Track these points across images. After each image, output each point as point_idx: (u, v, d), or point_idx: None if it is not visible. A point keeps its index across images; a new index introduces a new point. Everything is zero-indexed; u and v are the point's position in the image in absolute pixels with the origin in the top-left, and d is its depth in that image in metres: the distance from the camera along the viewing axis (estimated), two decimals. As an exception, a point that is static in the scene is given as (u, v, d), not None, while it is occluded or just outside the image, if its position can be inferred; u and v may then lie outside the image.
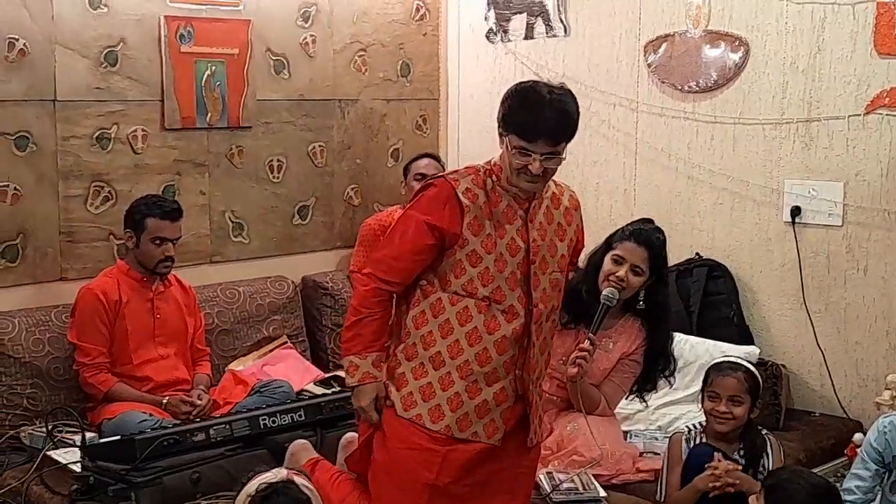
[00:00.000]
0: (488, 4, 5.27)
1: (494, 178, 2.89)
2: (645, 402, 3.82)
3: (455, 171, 2.99)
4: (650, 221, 3.75)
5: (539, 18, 5.09)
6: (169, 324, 4.24)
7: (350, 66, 5.20)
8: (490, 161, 2.93)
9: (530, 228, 2.90)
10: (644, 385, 3.71)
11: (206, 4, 4.66)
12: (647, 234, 3.57)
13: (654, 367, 3.68)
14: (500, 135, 2.83)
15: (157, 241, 4.09)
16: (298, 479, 2.63)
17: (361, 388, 2.92)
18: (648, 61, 4.66)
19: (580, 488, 3.35)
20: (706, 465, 3.11)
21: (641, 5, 4.70)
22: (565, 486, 3.35)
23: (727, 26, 4.46)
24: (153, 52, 4.51)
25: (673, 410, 4.08)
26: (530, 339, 2.90)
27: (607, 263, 3.53)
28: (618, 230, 3.65)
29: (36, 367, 4.19)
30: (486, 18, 5.30)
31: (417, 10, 5.43)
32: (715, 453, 3.13)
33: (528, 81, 2.89)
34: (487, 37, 5.29)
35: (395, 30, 5.34)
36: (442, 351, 2.87)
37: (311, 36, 5.05)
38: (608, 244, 3.59)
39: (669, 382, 3.77)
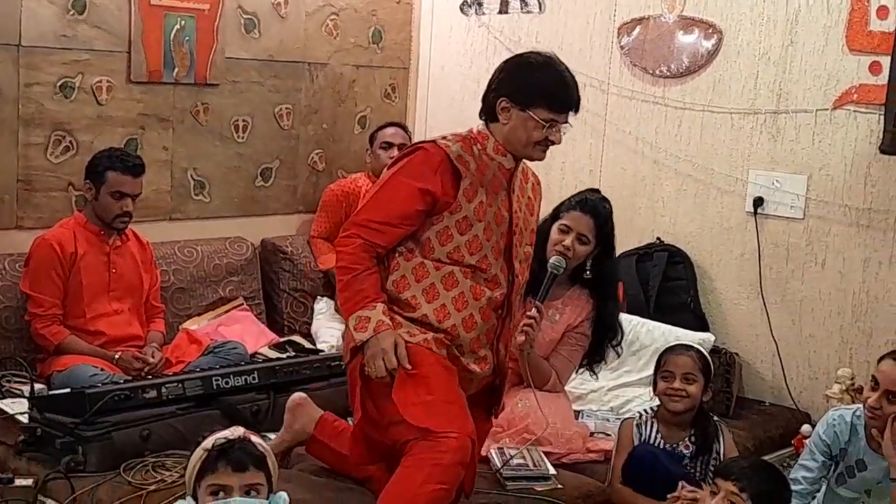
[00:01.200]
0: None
1: (479, 146, 2.88)
2: (595, 373, 3.85)
3: (443, 137, 2.94)
4: (597, 191, 3.78)
5: (515, -7, 5.11)
6: (124, 279, 4.22)
7: (321, 29, 5.20)
8: (472, 129, 2.93)
9: (513, 199, 2.91)
10: (593, 357, 3.73)
11: None
12: (593, 204, 3.60)
13: (603, 339, 3.70)
14: (507, 108, 2.82)
15: (117, 196, 4.08)
16: (254, 438, 2.64)
17: (378, 336, 2.78)
18: (621, 43, 4.67)
19: (530, 465, 3.37)
20: (669, 496, 3.12)
21: (617, -14, 4.72)
22: (515, 461, 3.37)
23: (702, 13, 4.48)
24: (122, 2, 4.48)
25: (626, 392, 4.12)
26: (509, 309, 2.93)
27: (554, 233, 3.55)
28: (564, 200, 3.68)
29: None
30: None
31: (392, -24, 5.48)
32: (680, 483, 3.12)
33: (536, 53, 2.91)
34: (461, 9, 5.25)
35: (366, 1, 5.37)
36: (428, 314, 2.84)
37: None
38: (555, 214, 3.62)
39: (617, 353, 3.79)
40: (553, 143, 2.86)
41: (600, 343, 3.70)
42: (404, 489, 2.76)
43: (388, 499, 2.78)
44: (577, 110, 2.87)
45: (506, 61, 2.95)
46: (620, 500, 3.35)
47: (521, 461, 3.37)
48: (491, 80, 2.92)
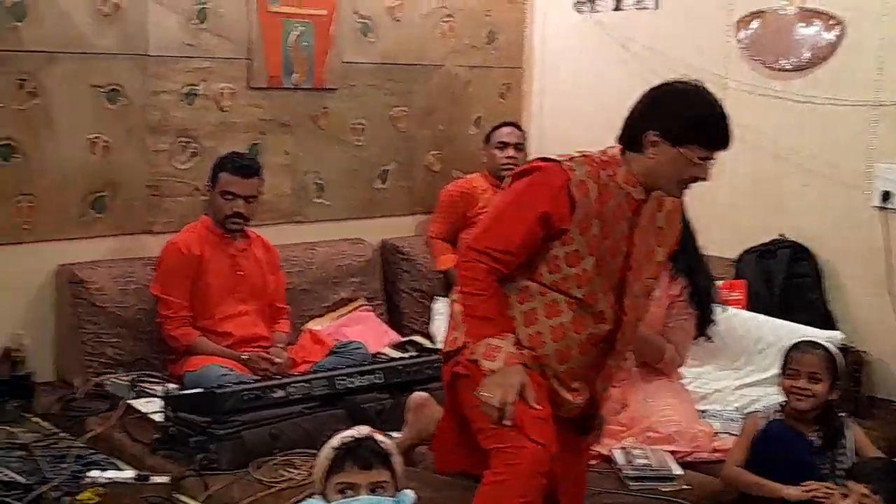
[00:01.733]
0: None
1: (610, 172, 2.75)
2: (710, 338, 3.84)
3: (571, 158, 2.79)
4: None
5: (629, -11, 5.10)
6: (250, 280, 4.29)
7: (435, 31, 5.20)
8: (604, 152, 2.80)
9: (636, 233, 2.78)
10: (701, 331, 3.72)
11: None
12: None
13: (704, 312, 3.68)
14: (657, 142, 2.67)
15: (228, 196, 4.16)
16: (379, 436, 2.68)
17: (507, 370, 2.69)
18: (739, 37, 4.60)
19: (655, 464, 3.34)
20: (802, 484, 3.07)
21: (735, -20, 4.67)
22: (639, 461, 3.34)
23: (823, 4, 4.40)
24: (242, 10, 4.56)
25: (751, 392, 4.04)
26: (613, 347, 2.83)
27: None
28: None
29: (121, 318, 4.28)
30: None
31: (505, -24, 5.46)
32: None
33: (684, 83, 2.75)
34: (575, 6, 5.23)
35: (481, 1, 5.35)
36: (522, 339, 2.77)
37: (399, 0, 5.06)
38: None
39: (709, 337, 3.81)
40: (701, 180, 2.74)
41: (703, 316, 3.70)
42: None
43: None
44: (728, 147, 2.73)
45: (654, 89, 2.79)
46: (738, 481, 3.27)
47: (645, 461, 3.33)
48: (636, 108, 2.77)
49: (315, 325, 4.57)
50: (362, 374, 3.81)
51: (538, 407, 2.68)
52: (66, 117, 4.26)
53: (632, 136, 2.71)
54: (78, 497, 3.23)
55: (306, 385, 3.69)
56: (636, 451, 3.36)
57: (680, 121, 2.65)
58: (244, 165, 4.17)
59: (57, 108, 4.23)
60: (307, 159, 4.93)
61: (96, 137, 4.31)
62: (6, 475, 3.45)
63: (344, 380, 3.76)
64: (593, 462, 3.30)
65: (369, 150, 5.10)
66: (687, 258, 3.64)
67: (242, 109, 4.67)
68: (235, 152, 4.32)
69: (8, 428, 3.88)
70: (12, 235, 4.22)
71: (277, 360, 4.08)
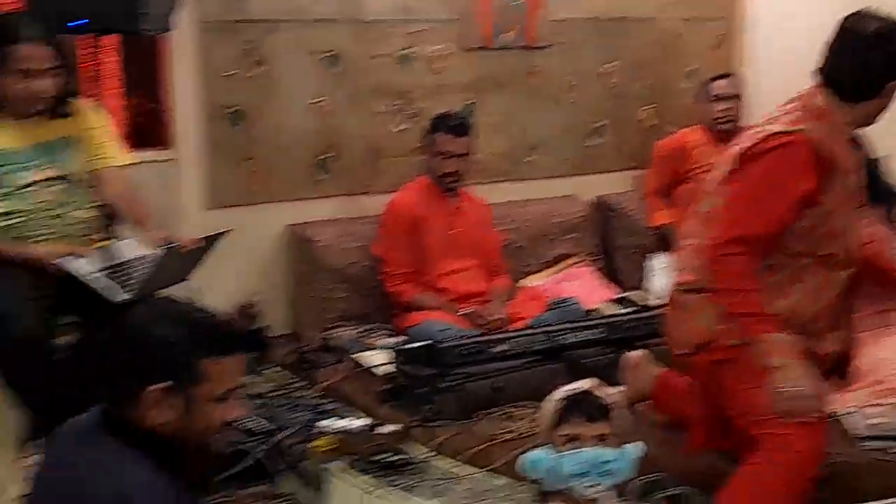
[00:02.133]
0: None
1: (830, 123, 2.65)
2: None
3: (795, 121, 2.67)
4: None
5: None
6: (467, 237, 4.33)
7: None
8: (810, 101, 2.68)
9: (858, 172, 2.72)
10: None
11: None
12: None
13: None
14: (876, 86, 2.59)
15: (443, 155, 4.24)
16: (603, 390, 2.71)
17: (793, 364, 2.60)
18: None
19: (893, 422, 3.12)
20: None
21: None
22: (874, 419, 3.13)
23: None
24: None
25: None
26: (853, 288, 2.77)
27: None
28: None
29: (347, 274, 4.41)
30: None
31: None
32: None
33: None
34: None
35: None
36: (780, 311, 2.66)
37: None
38: None
39: None
40: None
41: None
42: (757, 488, 2.68)
43: (740, 495, 2.73)
44: None
45: (884, 33, 2.63)
46: None
47: (882, 419, 3.13)
48: (874, 56, 2.62)
49: (531, 282, 4.60)
50: (581, 329, 3.81)
51: (824, 410, 2.64)
52: (289, 83, 4.41)
53: (869, 82, 2.60)
54: (314, 444, 3.39)
55: (526, 340, 3.72)
56: (871, 410, 3.16)
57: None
58: (457, 125, 4.22)
59: (281, 75, 4.38)
60: (519, 118, 4.94)
61: (320, 101, 4.44)
62: (248, 423, 3.61)
63: (564, 335, 3.76)
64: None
65: (581, 107, 5.07)
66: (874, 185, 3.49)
67: (456, 71, 4.72)
68: (446, 112, 4.38)
69: (246, 378, 4.02)
70: (245, 197, 4.45)
71: (496, 315, 4.11)
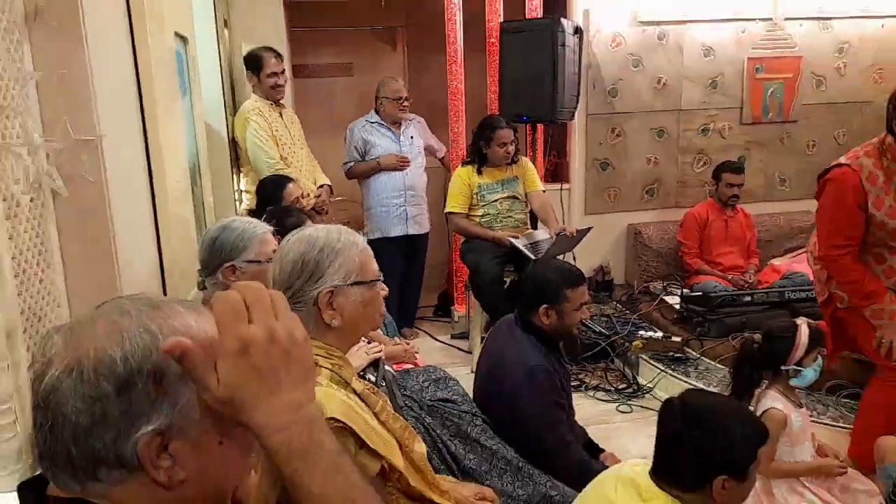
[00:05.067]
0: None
1: (890, 156, 2.46)
2: None
3: (856, 157, 2.53)
4: None
5: None
6: (734, 233, 4.45)
7: (869, 80, 5.21)
8: (883, 139, 2.50)
9: None
10: None
11: (770, 49, 5.00)
12: None
13: None
14: None
15: (728, 185, 4.30)
16: (809, 322, 2.46)
17: (891, 324, 2.49)
18: None
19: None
20: None
21: None
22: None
23: None
24: (738, 79, 4.97)
25: None
26: None
27: None
28: None
29: (659, 252, 4.76)
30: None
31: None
32: None
33: None
34: None
35: None
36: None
37: (842, 62, 5.14)
38: None
39: None
40: None
41: None
42: (877, 395, 2.57)
43: (868, 398, 2.62)
44: None
45: None
46: None
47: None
48: None
49: (775, 261, 4.72)
50: (804, 290, 3.99)
51: None
52: (634, 147, 4.92)
53: None
54: (634, 343, 3.85)
55: (765, 295, 4.01)
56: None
57: None
58: (738, 167, 4.48)
59: (631, 143, 4.91)
60: (774, 164, 5.17)
61: (651, 156, 4.97)
62: (600, 328, 4.15)
63: (791, 293, 4.01)
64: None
65: (817, 157, 5.14)
66: None
67: (735, 137, 5.06)
68: (730, 160, 4.66)
69: (600, 306, 4.58)
70: (605, 209, 4.90)
71: (750, 280, 4.35)
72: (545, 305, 2.37)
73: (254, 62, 3.77)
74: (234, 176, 3.79)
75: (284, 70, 3.89)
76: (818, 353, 2.42)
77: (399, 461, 1.42)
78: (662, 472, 1.67)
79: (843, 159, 2.55)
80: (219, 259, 2.11)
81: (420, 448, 1.57)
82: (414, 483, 1.46)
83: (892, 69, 5.27)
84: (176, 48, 2.61)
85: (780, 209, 5.23)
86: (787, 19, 4.99)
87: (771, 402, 2.42)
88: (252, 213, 3.23)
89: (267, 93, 3.80)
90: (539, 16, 4.46)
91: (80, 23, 1.66)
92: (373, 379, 2.09)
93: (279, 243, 1.74)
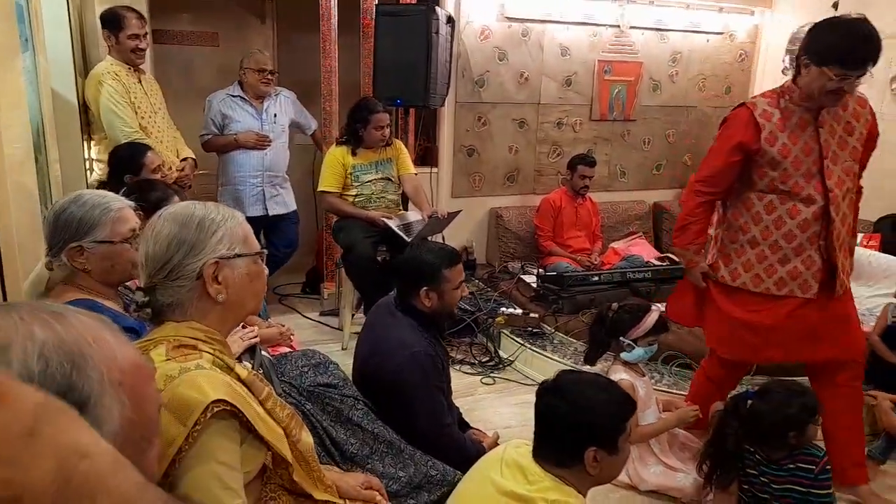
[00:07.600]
0: (786, 52, 4.95)
1: (787, 97, 2.25)
2: None
3: (762, 94, 2.34)
4: None
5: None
6: (583, 219, 4.32)
7: (695, 87, 5.14)
8: (783, 85, 2.29)
9: (821, 132, 2.24)
10: None
11: (617, 53, 4.83)
12: None
13: None
14: (805, 65, 2.15)
15: (580, 177, 4.20)
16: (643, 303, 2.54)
17: (689, 269, 2.48)
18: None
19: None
20: None
21: None
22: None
23: None
24: (590, 79, 4.76)
25: (878, 301, 3.40)
26: (830, 216, 2.26)
27: None
28: None
29: (518, 234, 4.50)
30: (783, 61, 4.99)
31: (740, 56, 5.21)
32: None
33: (844, 16, 2.12)
34: (783, 72, 4.98)
35: (724, 69, 5.19)
36: (756, 234, 2.34)
37: (675, 70, 5.05)
38: None
39: None
40: (847, 92, 2.16)
41: None
42: None
43: None
44: (874, 63, 2.06)
45: (815, 24, 2.18)
46: (876, 345, 2.94)
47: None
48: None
49: (615, 244, 4.72)
50: (641, 271, 4.01)
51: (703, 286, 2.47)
52: (498, 136, 4.62)
53: (796, 64, 2.22)
54: (496, 318, 3.67)
55: (610, 275, 3.96)
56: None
57: (821, 46, 2.12)
58: (592, 161, 4.32)
59: (495, 131, 4.60)
60: (616, 157, 5.03)
61: (513, 145, 4.68)
62: (465, 304, 3.82)
63: (631, 273, 3.99)
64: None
65: (651, 153, 5.12)
66: None
67: (585, 132, 4.87)
68: (584, 153, 4.50)
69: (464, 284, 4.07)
70: (470, 193, 4.60)
71: (595, 262, 4.23)
72: (425, 287, 2.18)
73: (113, 21, 3.06)
74: (85, 143, 3.07)
75: (147, 33, 3.19)
76: (655, 339, 2.47)
77: (287, 452, 1.25)
78: (543, 453, 1.57)
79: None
80: (63, 238, 1.66)
81: (307, 438, 1.37)
82: (297, 478, 1.27)
83: (714, 79, 5.26)
84: (15, -5, 1.97)
85: (620, 198, 5.14)
86: (631, 27, 4.83)
87: (619, 374, 2.46)
88: (103, 184, 2.67)
89: (126, 56, 3.10)
90: (414, 1, 3.98)
91: None
92: (249, 366, 1.67)
93: (142, 220, 1.45)
